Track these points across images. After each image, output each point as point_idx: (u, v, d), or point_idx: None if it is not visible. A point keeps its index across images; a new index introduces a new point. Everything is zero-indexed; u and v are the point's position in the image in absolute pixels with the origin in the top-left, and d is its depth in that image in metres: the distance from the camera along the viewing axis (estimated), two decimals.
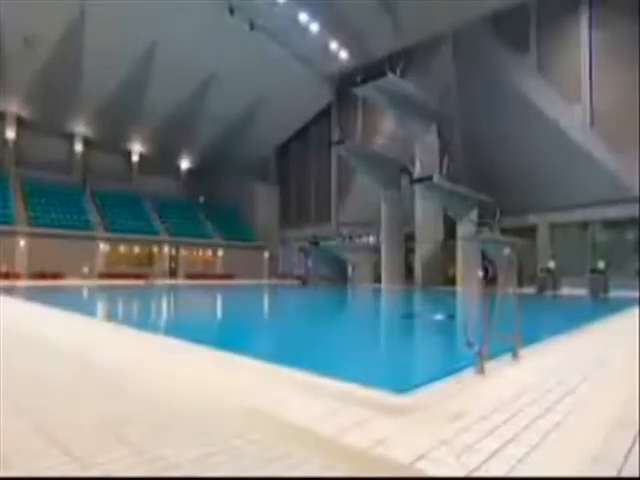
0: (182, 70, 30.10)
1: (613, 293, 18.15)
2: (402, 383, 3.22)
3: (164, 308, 13.11)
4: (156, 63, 29.60)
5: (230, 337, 6.81)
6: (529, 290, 21.38)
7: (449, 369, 3.73)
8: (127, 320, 7.53)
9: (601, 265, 19.14)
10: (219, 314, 11.14)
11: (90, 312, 8.35)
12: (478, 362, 3.53)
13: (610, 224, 22.19)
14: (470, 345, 3.65)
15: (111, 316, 8.03)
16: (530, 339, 5.52)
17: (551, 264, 21.46)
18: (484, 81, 25.33)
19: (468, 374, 3.55)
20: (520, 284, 23.20)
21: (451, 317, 8.27)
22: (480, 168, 24.72)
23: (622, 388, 3.26)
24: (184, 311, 12.56)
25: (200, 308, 13.99)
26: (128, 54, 28.64)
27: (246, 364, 3.98)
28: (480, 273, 21.45)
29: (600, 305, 14.66)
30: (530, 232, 24.26)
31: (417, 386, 3.10)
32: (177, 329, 7.56)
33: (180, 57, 28.98)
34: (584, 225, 22.86)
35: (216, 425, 2.41)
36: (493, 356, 4.36)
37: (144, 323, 7.52)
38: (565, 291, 20.69)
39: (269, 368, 3.78)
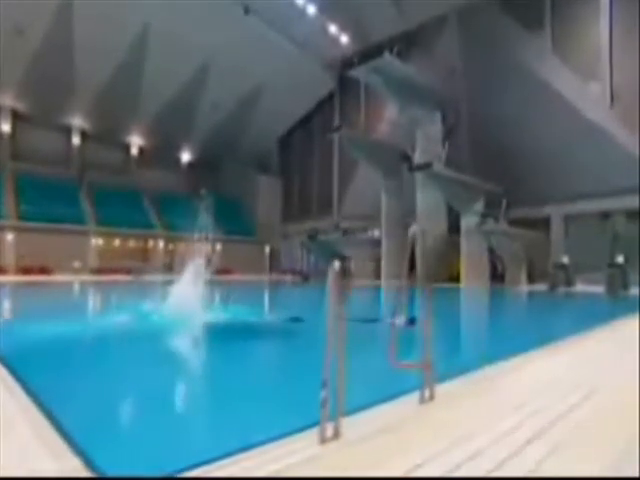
0: (178, 55, 29.01)
1: (634, 290, 16.11)
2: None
3: None
4: (150, 48, 28.53)
5: None
6: (541, 287, 19.50)
7: (293, 427, 2.22)
8: None
9: (620, 259, 17.09)
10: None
11: None
12: (321, 418, 2.03)
13: (633, 214, 20.00)
14: (324, 385, 2.17)
15: None
16: (487, 358, 4.01)
17: (564, 259, 19.56)
18: (492, 62, 23.71)
19: (310, 439, 2.06)
20: (531, 280, 21.33)
21: (412, 322, 6.44)
22: (487, 155, 22.98)
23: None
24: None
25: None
26: (120, 40, 27.59)
27: None
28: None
29: (613, 304, 12.75)
30: (543, 224, 22.29)
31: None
32: None
33: (174, 41, 27.90)
34: (604, 216, 20.76)
35: None
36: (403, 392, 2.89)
37: None
38: (581, 288, 18.74)
39: None
